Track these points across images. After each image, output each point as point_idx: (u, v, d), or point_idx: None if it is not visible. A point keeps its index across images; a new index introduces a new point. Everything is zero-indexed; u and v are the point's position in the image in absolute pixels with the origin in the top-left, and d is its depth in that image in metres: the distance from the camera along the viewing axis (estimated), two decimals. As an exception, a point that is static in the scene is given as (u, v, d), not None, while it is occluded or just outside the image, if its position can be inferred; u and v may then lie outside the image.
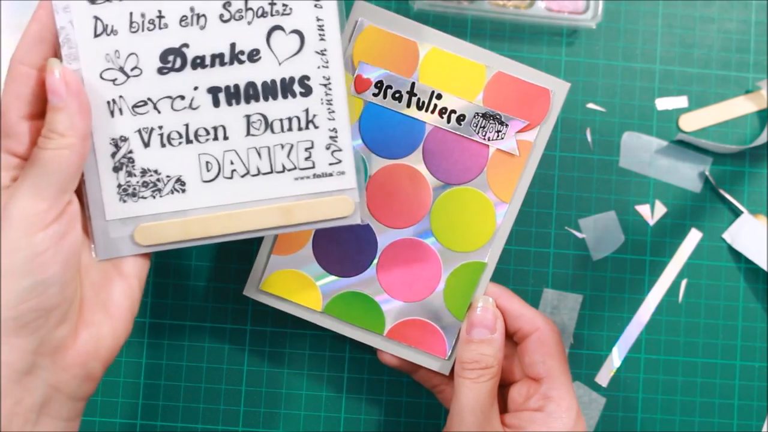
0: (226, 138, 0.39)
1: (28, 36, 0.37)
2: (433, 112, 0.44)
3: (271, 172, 0.39)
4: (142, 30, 0.38)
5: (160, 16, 0.38)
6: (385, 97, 0.44)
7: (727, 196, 0.52)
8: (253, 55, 0.38)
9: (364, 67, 0.44)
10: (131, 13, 0.38)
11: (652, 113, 0.52)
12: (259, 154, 0.39)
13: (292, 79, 0.39)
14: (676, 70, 0.52)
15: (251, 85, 0.39)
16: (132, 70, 0.38)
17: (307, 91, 0.39)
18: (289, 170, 0.39)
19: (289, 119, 0.39)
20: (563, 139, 0.51)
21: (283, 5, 0.38)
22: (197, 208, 0.39)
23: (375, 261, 0.45)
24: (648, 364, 0.51)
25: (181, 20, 0.38)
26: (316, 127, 0.39)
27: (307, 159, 0.39)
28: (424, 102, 0.44)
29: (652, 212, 0.52)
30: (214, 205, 0.39)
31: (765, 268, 0.51)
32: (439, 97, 0.44)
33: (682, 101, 0.52)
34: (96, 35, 0.38)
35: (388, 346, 0.45)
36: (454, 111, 0.44)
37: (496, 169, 0.44)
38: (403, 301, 0.45)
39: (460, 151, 0.44)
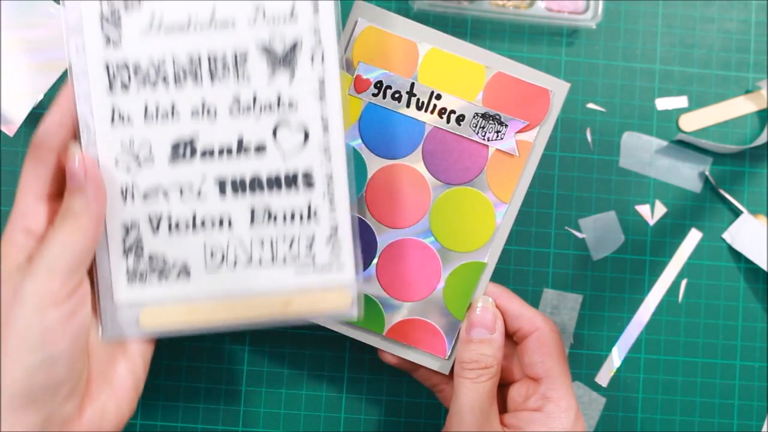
0: (231, 227, 0.40)
1: (49, 121, 0.39)
2: (432, 112, 0.44)
3: (273, 263, 0.40)
4: (156, 120, 0.39)
5: (173, 108, 0.39)
6: (384, 97, 0.44)
7: (727, 196, 0.52)
8: (260, 149, 0.40)
9: (364, 67, 0.44)
10: (146, 104, 0.39)
11: (652, 113, 0.52)
12: (261, 245, 0.40)
13: (295, 173, 0.40)
14: (676, 70, 0.52)
15: (257, 177, 0.40)
16: (145, 158, 0.39)
17: (310, 186, 0.40)
18: (291, 262, 0.40)
19: (292, 212, 0.40)
20: (563, 139, 0.51)
21: (289, 102, 0.39)
22: (201, 295, 0.40)
23: (375, 261, 0.45)
24: (648, 364, 0.51)
25: (192, 112, 0.39)
26: (317, 221, 0.40)
27: (307, 253, 0.40)
28: (423, 102, 0.44)
29: (652, 212, 0.52)
30: (218, 292, 0.40)
31: (765, 268, 0.51)
32: (438, 97, 0.44)
33: (682, 101, 0.52)
34: (113, 123, 0.39)
35: (388, 345, 0.45)
36: (453, 111, 0.44)
37: (495, 170, 0.44)
38: (402, 300, 0.45)
39: (459, 152, 0.44)
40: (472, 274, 0.45)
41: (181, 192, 0.40)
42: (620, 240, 0.51)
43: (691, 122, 0.52)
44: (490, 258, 0.45)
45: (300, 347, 0.50)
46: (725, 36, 0.53)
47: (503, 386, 0.45)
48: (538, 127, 0.44)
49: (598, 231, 0.51)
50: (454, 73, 0.44)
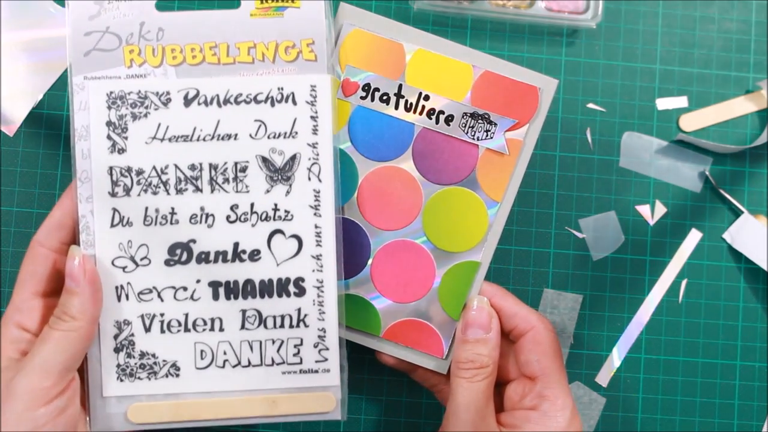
0: (221, 330, 0.41)
1: (50, 221, 0.40)
2: (421, 113, 0.44)
3: (261, 364, 0.42)
4: (155, 224, 0.41)
5: (173, 213, 0.41)
6: (372, 99, 0.44)
7: (727, 196, 0.52)
8: (254, 255, 0.41)
9: (351, 71, 0.44)
10: (146, 208, 0.41)
11: (652, 113, 0.52)
12: (251, 347, 0.42)
13: (287, 280, 0.41)
14: (676, 70, 0.52)
15: (249, 282, 0.41)
16: (141, 259, 0.41)
17: (301, 292, 0.41)
18: (278, 364, 0.42)
19: (282, 317, 0.41)
20: (563, 139, 0.51)
21: (285, 211, 0.41)
22: (189, 392, 0.41)
23: (369, 263, 0.45)
24: (648, 364, 0.51)
25: (191, 218, 0.41)
26: (306, 326, 0.41)
27: (295, 355, 0.42)
28: (411, 103, 0.44)
29: (652, 212, 0.52)
30: (205, 391, 0.42)
31: (765, 268, 0.51)
32: (426, 98, 0.44)
33: (682, 101, 0.52)
34: (113, 225, 0.41)
35: (386, 347, 0.45)
36: (442, 111, 0.44)
37: (486, 169, 0.44)
38: (398, 302, 0.45)
39: (449, 152, 0.44)
40: (466, 274, 0.45)
41: (175, 294, 0.41)
42: (620, 240, 0.51)
43: (691, 122, 0.52)
44: (484, 257, 0.45)
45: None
46: (725, 36, 0.53)
47: (501, 384, 0.45)
48: (528, 124, 0.44)
49: (598, 231, 0.51)
50: (442, 73, 0.44)
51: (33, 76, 0.50)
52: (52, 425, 0.37)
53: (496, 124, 0.44)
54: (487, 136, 0.44)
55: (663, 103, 0.52)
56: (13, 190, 0.49)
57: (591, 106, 0.52)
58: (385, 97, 0.44)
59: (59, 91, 0.50)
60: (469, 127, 0.44)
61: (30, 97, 0.50)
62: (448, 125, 0.44)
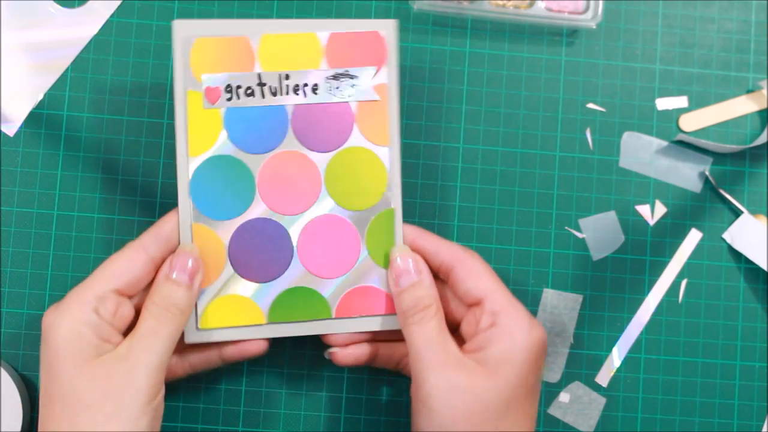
0: None
1: (159, 231, 0.43)
2: (287, 93, 0.45)
3: None
4: None
5: None
6: (238, 97, 0.45)
7: (727, 196, 0.52)
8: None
9: (208, 78, 0.44)
10: None
11: (652, 113, 0.52)
12: None
13: None
14: (676, 70, 0.52)
15: None
16: None
17: None
18: None
19: None
20: (563, 139, 0.51)
21: None
22: None
23: (294, 252, 0.45)
24: (648, 364, 0.51)
25: None
26: None
27: None
28: (275, 87, 0.45)
29: (652, 212, 0.52)
30: None
31: (765, 268, 0.51)
32: (287, 77, 0.45)
33: (682, 101, 0.52)
34: None
35: (341, 325, 0.45)
36: (306, 84, 0.45)
37: (365, 120, 0.45)
38: (336, 276, 0.45)
39: (326, 118, 0.45)
40: (386, 223, 0.45)
41: None
42: (620, 240, 0.51)
43: (691, 122, 0.52)
44: (395, 202, 0.45)
45: (300, 347, 0.50)
46: (725, 36, 0.53)
47: (455, 330, 0.44)
48: (386, 66, 0.45)
49: (598, 231, 0.51)
50: (292, 50, 0.45)
51: (33, 76, 0.50)
52: (160, 412, 0.40)
53: (357, 77, 0.45)
54: (354, 91, 0.45)
55: (663, 103, 0.52)
56: (13, 190, 0.49)
57: (591, 106, 0.52)
58: (249, 91, 0.45)
59: (59, 91, 0.50)
60: (335, 88, 0.45)
61: (30, 97, 0.50)
62: (316, 94, 0.45)
